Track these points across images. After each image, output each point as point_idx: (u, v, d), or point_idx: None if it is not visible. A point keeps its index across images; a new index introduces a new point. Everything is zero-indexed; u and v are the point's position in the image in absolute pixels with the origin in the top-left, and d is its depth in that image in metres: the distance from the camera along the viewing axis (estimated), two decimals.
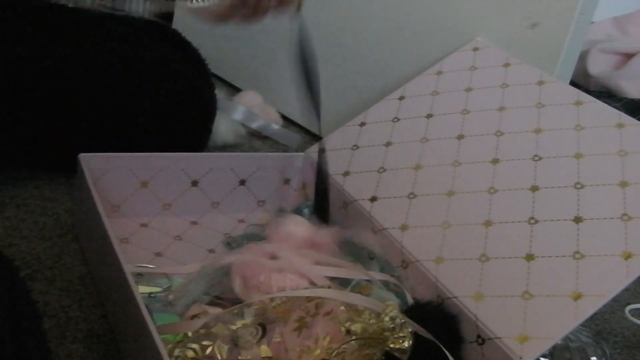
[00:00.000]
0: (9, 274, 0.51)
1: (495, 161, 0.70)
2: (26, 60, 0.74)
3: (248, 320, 0.56)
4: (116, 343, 0.57)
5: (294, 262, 0.63)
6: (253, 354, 0.53)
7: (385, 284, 0.66)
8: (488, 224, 0.64)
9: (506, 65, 0.80)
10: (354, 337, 0.54)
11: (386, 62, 0.96)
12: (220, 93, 0.94)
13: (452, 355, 0.55)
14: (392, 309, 0.55)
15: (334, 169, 0.78)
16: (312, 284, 0.63)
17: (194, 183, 0.76)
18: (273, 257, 0.65)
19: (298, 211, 0.78)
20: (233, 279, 0.62)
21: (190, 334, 0.54)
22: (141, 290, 0.61)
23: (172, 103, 0.84)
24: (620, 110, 0.70)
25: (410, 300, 0.64)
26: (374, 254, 0.70)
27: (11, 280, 0.51)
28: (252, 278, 0.62)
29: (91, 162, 0.68)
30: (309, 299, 0.58)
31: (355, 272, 0.65)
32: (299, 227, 0.70)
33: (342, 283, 0.65)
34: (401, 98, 0.83)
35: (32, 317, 0.52)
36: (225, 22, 0.64)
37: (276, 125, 1.03)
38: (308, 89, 0.69)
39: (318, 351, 0.54)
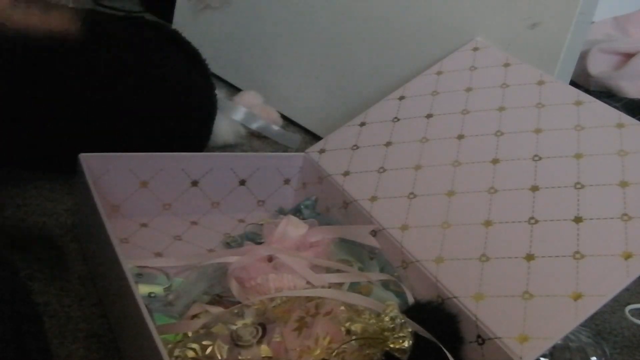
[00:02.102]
0: (10, 275, 0.51)
1: (495, 161, 0.70)
2: (26, 60, 0.74)
3: (248, 320, 0.56)
4: (116, 343, 0.57)
5: (291, 264, 0.63)
6: (253, 353, 0.53)
7: (385, 284, 0.66)
8: (488, 224, 0.64)
9: (506, 65, 0.80)
10: (354, 337, 0.54)
11: (386, 62, 0.96)
12: (220, 93, 0.94)
13: (452, 356, 0.55)
14: (392, 309, 0.55)
15: (334, 169, 0.78)
16: (310, 284, 0.63)
17: (194, 183, 0.76)
18: (270, 259, 0.65)
19: (297, 211, 0.78)
20: (230, 283, 0.62)
21: (190, 333, 0.54)
22: (141, 290, 0.61)
23: (172, 103, 0.84)
24: (620, 110, 0.70)
25: (410, 300, 0.64)
26: (374, 254, 0.70)
27: (12, 282, 0.50)
28: (249, 280, 0.62)
29: (91, 162, 0.68)
30: (308, 299, 0.58)
31: (352, 276, 0.65)
32: (295, 228, 0.70)
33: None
34: (401, 98, 0.83)
35: (34, 319, 0.51)
36: None
37: (276, 127, 1.03)
38: None
39: (318, 351, 0.54)
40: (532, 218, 0.63)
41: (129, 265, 0.54)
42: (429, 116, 0.78)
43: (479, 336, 0.57)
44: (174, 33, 0.92)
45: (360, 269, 0.68)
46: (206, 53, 0.93)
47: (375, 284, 0.65)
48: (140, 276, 0.63)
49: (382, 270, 0.68)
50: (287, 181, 0.82)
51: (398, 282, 0.66)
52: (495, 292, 0.59)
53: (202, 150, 0.89)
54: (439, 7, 0.90)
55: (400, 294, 0.65)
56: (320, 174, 0.79)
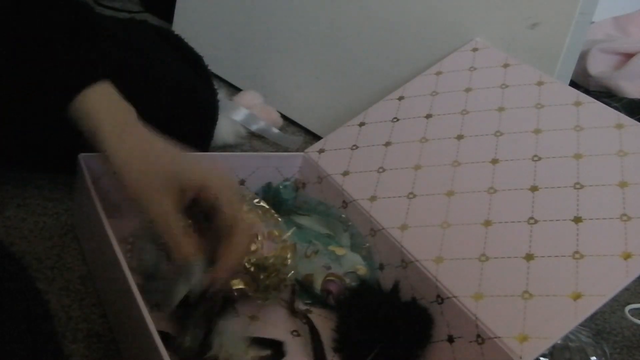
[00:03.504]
0: (20, 273, 0.51)
1: (494, 161, 0.70)
2: (25, 60, 0.74)
3: None
4: (116, 343, 0.57)
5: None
6: None
7: (359, 251, 0.72)
8: (488, 224, 0.64)
9: (506, 65, 0.80)
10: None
11: (386, 62, 0.96)
12: (220, 93, 0.94)
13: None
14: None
15: (333, 168, 0.78)
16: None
17: None
18: None
19: (276, 191, 0.79)
20: None
21: None
22: None
23: (173, 107, 0.84)
24: (620, 110, 0.70)
25: (377, 265, 0.70)
26: (347, 227, 0.74)
27: (23, 279, 0.50)
28: None
29: (91, 162, 0.68)
30: None
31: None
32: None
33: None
34: (400, 98, 0.83)
35: (46, 317, 0.51)
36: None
37: (276, 130, 1.03)
38: None
39: None
40: (531, 218, 0.63)
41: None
42: (428, 116, 0.78)
43: (478, 336, 0.57)
44: (177, 38, 0.92)
45: (336, 241, 0.75)
46: (206, 53, 0.93)
47: (347, 250, 0.73)
48: None
49: (352, 240, 0.74)
50: (286, 181, 0.82)
51: (369, 251, 0.72)
52: (495, 292, 0.59)
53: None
54: (439, 7, 0.90)
55: (369, 262, 0.71)
56: (319, 174, 0.79)
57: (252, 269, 0.63)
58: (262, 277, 0.64)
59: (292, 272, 0.67)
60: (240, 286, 0.63)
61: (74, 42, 0.61)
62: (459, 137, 0.74)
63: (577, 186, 0.64)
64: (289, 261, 0.67)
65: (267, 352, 0.59)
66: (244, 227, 0.58)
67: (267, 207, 0.72)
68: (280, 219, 0.71)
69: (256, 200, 0.71)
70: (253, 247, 0.65)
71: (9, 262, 0.50)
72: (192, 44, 0.93)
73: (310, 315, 0.66)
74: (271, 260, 0.64)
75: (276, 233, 0.68)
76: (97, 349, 0.56)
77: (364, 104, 0.88)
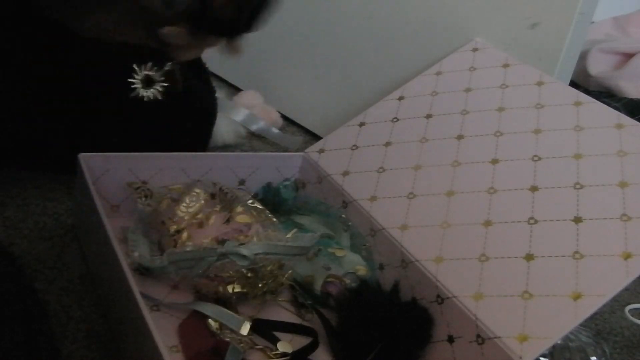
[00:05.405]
0: (17, 273, 0.51)
1: (494, 161, 0.70)
2: (27, 61, 0.74)
3: None
4: (116, 343, 0.57)
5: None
6: None
7: (358, 251, 0.72)
8: (488, 224, 0.64)
9: (505, 65, 0.80)
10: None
11: (386, 62, 0.96)
12: (220, 93, 0.94)
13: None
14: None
15: (333, 168, 0.78)
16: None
17: None
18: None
19: (277, 190, 0.79)
20: None
21: None
22: None
23: (173, 107, 0.84)
24: (620, 110, 0.70)
25: (377, 265, 0.70)
26: (347, 227, 0.74)
27: (20, 279, 0.50)
28: None
29: (91, 162, 0.68)
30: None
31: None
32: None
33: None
34: (400, 98, 0.83)
35: (42, 317, 0.51)
36: None
37: (276, 130, 1.03)
38: None
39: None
40: (531, 218, 0.63)
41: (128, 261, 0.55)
42: (428, 116, 0.78)
43: (478, 336, 0.57)
44: None
45: (337, 241, 0.74)
46: (206, 53, 0.93)
47: (347, 250, 0.72)
48: None
49: (352, 240, 0.74)
50: (286, 181, 0.82)
51: (369, 251, 0.71)
52: (495, 292, 0.59)
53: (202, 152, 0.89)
54: (439, 7, 0.90)
55: (369, 262, 0.71)
56: (319, 174, 0.79)
57: (249, 274, 0.63)
58: (260, 285, 0.64)
59: (290, 271, 0.67)
60: (238, 289, 0.63)
61: None
62: (459, 137, 0.74)
63: (577, 186, 0.64)
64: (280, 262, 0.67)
65: (300, 339, 0.60)
66: None
67: (261, 207, 0.72)
68: (275, 220, 0.71)
69: (250, 201, 0.71)
70: (244, 238, 0.65)
71: (5, 262, 0.50)
72: None
73: (309, 316, 0.66)
74: (269, 268, 0.64)
75: (272, 233, 0.68)
76: (97, 349, 0.56)
77: (364, 104, 0.88)
